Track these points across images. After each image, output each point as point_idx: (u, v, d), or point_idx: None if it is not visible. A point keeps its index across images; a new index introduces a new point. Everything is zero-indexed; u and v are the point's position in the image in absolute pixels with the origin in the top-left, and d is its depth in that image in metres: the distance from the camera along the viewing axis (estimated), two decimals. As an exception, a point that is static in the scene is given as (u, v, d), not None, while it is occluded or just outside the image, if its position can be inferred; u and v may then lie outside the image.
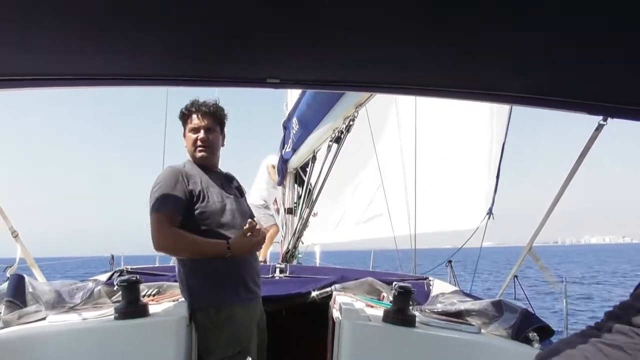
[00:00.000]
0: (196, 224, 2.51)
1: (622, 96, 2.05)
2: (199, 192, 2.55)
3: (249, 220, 2.62)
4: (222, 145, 2.81)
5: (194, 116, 2.68)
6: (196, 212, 2.53)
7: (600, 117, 2.49)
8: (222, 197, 2.63)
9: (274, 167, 6.80)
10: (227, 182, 2.79)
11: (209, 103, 2.70)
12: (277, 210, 7.18)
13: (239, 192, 2.85)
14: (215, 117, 2.71)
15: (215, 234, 2.53)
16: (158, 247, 2.45)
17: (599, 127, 2.56)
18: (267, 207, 7.18)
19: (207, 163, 2.72)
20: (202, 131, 2.66)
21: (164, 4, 1.39)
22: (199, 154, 2.67)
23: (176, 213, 2.47)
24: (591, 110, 2.22)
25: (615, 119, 2.31)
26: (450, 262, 5.46)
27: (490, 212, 5.68)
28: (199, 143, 2.66)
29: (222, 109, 2.74)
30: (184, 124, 2.74)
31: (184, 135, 2.76)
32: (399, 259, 6.94)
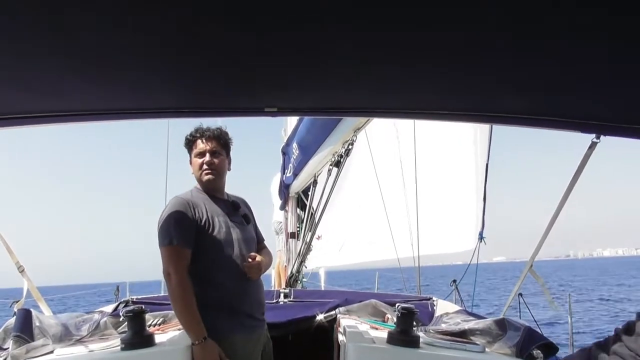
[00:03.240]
0: (202, 255, 2.52)
1: (613, 114, 2.09)
2: (205, 221, 2.56)
3: (251, 254, 2.64)
4: (229, 169, 2.81)
5: (199, 141, 2.69)
6: (202, 242, 2.53)
7: (594, 135, 2.52)
8: (227, 227, 2.63)
9: None
10: (233, 210, 2.77)
11: (213, 128, 2.71)
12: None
13: (245, 220, 2.81)
14: (220, 141, 2.71)
15: (219, 265, 2.55)
16: (166, 277, 2.45)
17: (593, 145, 2.60)
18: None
19: (214, 187, 2.72)
20: (207, 155, 2.67)
21: (161, 39, 1.43)
22: (205, 178, 2.67)
23: (185, 246, 2.47)
24: (584, 128, 2.26)
25: (608, 137, 2.35)
26: (454, 281, 5.44)
27: (481, 237, 5.67)
28: (204, 167, 2.66)
29: (226, 133, 2.74)
30: (190, 150, 2.75)
31: (190, 162, 2.76)
32: (403, 280, 6.92)
